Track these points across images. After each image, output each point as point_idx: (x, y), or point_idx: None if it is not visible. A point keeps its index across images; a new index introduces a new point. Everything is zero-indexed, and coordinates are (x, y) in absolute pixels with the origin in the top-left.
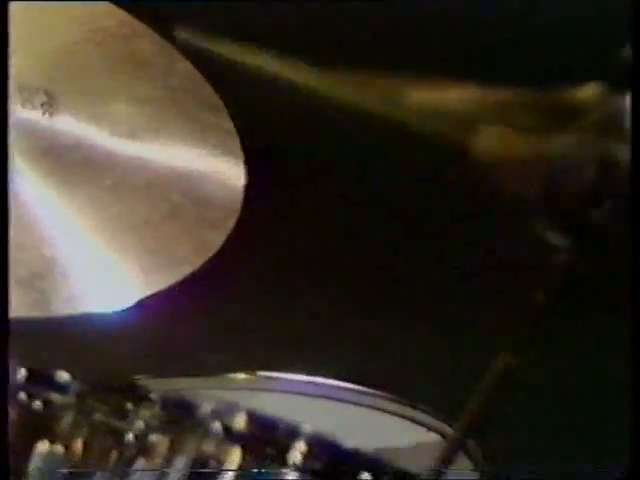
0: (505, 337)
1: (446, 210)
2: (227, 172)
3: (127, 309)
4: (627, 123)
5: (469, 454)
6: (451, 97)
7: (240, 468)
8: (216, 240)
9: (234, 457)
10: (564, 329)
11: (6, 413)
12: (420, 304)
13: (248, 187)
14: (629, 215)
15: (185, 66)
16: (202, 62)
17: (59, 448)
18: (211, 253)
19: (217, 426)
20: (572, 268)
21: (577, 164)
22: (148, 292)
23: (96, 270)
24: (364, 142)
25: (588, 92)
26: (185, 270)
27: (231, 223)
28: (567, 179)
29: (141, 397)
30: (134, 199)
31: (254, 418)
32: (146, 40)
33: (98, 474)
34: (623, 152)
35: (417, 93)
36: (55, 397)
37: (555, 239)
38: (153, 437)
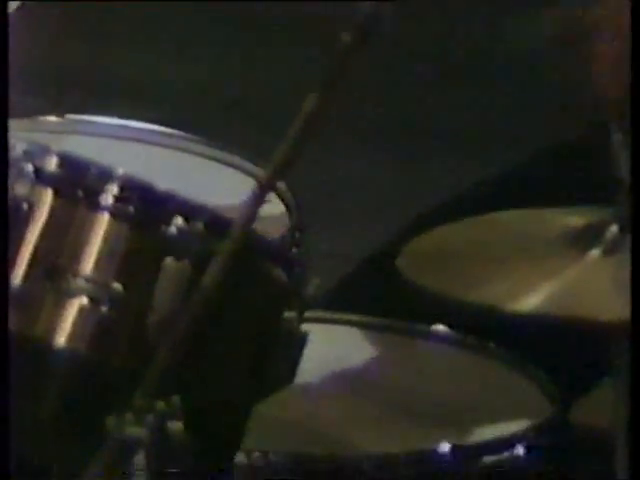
0: (313, 78)
1: None
2: None
3: None
4: None
5: (280, 197)
6: None
7: (51, 209)
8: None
9: (45, 199)
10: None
11: (6, 413)
12: (232, 41)
13: None
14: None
15: None
16: None
17: None
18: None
19: (29, 168)
20: (377, 13)
21: None
22: None
23: None
24: None
25: None
26: None
27: None
28: None
29: None
30: None
31: (66, 160)
32: None
33: None
34: None
35: None
36: None
37: None
38: None
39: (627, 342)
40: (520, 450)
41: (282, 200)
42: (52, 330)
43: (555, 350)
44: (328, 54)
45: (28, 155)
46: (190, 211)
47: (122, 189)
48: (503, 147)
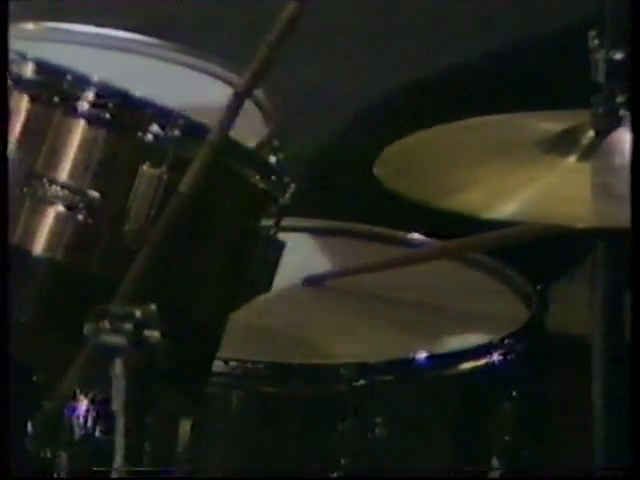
0: None
1: None
2: None
3: None
4: None
5: (258, 104)
6: None
7: (28, 116)
8: None
9: (22, 105)
10: None
11: (7, 410)
12: None
13: None
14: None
15: None
16: None
17: None
18: None
19: None
20: None
21: None
22: None
23: None
24: None
25: None
26: None
27: None
28: None
29: None
30: None
31: (42, 67)
32: None
33: None
34: None
35: None
36: None
37: None
38: None
39: (603, 249)
40: (496, 357)
41: (260, 108)
42: (29, 237)
43: (531, 256)
44: None
45: None
46: (166, 117)
47: (98, 95)
48: (480, 49)
